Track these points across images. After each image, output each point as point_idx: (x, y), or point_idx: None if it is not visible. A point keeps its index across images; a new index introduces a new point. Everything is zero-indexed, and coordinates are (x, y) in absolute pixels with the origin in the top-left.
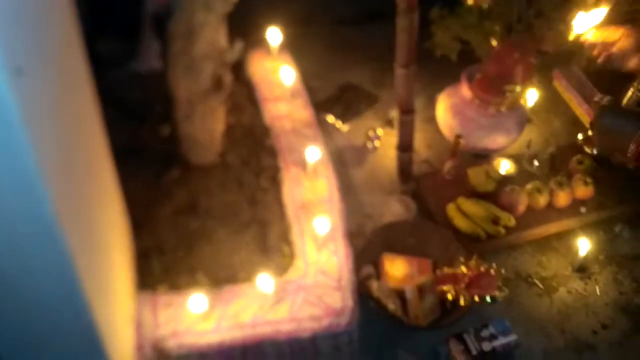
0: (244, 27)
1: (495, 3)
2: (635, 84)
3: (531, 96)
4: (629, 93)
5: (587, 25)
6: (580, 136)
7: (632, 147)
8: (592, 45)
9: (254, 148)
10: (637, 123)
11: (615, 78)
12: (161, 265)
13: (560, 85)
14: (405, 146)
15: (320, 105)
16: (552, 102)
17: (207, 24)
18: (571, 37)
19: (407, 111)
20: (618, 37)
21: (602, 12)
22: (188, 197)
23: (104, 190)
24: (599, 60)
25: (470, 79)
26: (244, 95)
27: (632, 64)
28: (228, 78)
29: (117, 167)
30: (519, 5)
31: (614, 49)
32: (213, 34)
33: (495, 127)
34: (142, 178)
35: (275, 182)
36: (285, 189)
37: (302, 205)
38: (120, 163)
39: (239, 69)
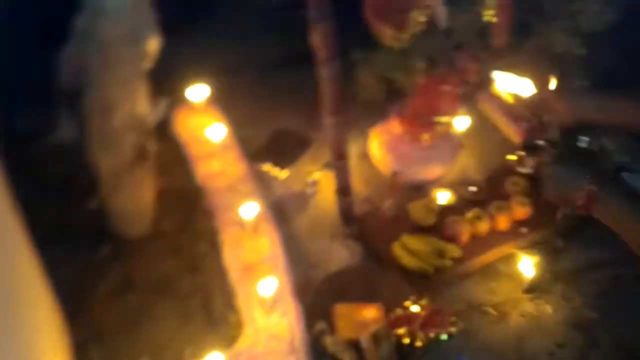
0: (168, 83)
1: (415, 40)
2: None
3: (462, 123)
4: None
5: None
6: (511, 157)
7: (580, 198)
8: None
9: (189, 211)
10: (583, 174)
11: None
12: (100, 354)
13: (487, 108)
14: (343, 190)
15: (255, 155)
16: (481, 125)
17: (123, 98)
18: None
19: (340, 156)
20: None
21: None
22: (123, 273)
23: (24, 293)
24: None
25: (399, 114)
26: (173, 155)
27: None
28: (152, 146)
29: (42, 252)
30: (438, 40)
31: None
32: (131, 105)
33: (429, 158)
34: (72, 260)
35: (214, 245)
36: (225, 252)
37: (245, 267)
38: (46, 247)
39: (165, 127)
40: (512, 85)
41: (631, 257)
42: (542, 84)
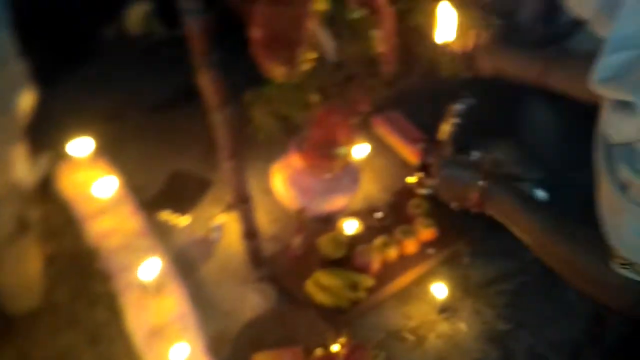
0: (47, 138)
1: (306, 75)
2: (447, 117)
3: (361, 151)
4: (444, 127)
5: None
6: (410, 179)
7: (473, 195)
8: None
9: (83, 277)
10: (475, 173)
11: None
12: None
13: (382, 130)
14: (249, 233)
15: (151, 204)
16: (380, 149)
17: None
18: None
19: (243, 200)
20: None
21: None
22: (15, 356)
23: None
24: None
25: (299, 149)
26: (59, 217)
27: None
28: (35, 212)
29: None
30: (329, 73)
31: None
32: (6, 174)
33: (332, 189)
34: None
35: (115, 312)
36: (128, 318)
37: (152, 331)
38: None
39: (48, 187)
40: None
41: (534, 264)
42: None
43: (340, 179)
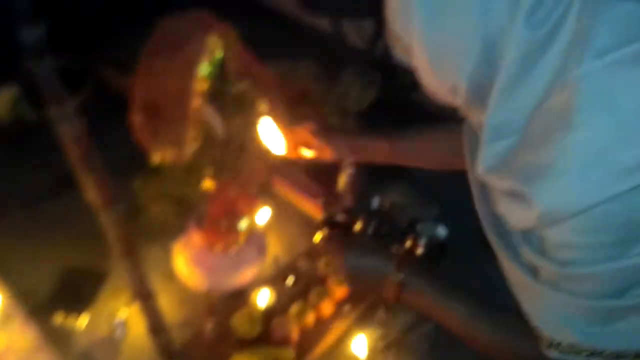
0: None
1: (196, 154)
2: (343, 168)
3: (263, 216)
4: (341, 178)
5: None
6: (317, 236)
7: (387, 290)
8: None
9: None
10: (387, 262)
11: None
12: None
13: (282, 189)
14: (156, 329)
15: (44, 309)
16: (283, 210)
17: None
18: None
19: (145, 296)
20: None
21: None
22: None
23: None
24: None
25: (198, 227)
26: None
27: (324, 155)
28: None
29: None
30: (220, 148)
31: None
32: None
33: (239, 263)
34: None
35: None
36: None
37: None
38: None
39: None
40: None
41: None
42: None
43: (245, 251)
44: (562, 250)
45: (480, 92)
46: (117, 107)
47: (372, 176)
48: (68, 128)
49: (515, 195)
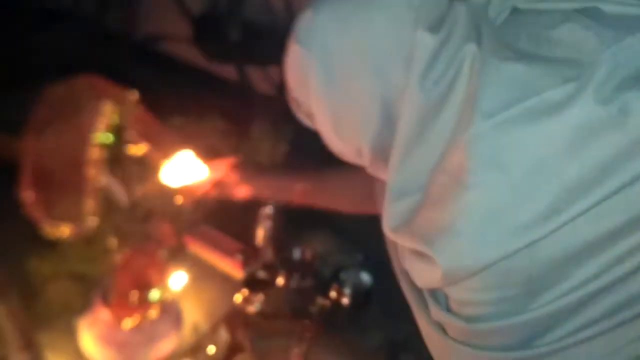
0: None
1: (98, 225)
2: (260, 221)
3: (178, 281)
4: (259, 232)
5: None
6: (237, 297)
7: None
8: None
9: None
10: (291, 338)
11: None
12: None
13: (196, 249)
14: None
15: None
16: (201, 272)
17: None
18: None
19: None
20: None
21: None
22: None
23: None
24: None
25: (105, 302)
26: None
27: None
28: None
29: None
30: (124, 216)
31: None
32: None
33: (154, 336)
34: None
35: None
36: None
37: None
38: None
39: None
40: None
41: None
42: None
43: (159, 323)
44: (466, 307)
45: (383, 154)
46: (8, 174)
47: (292, 226)
48: None
49: (420, 255)
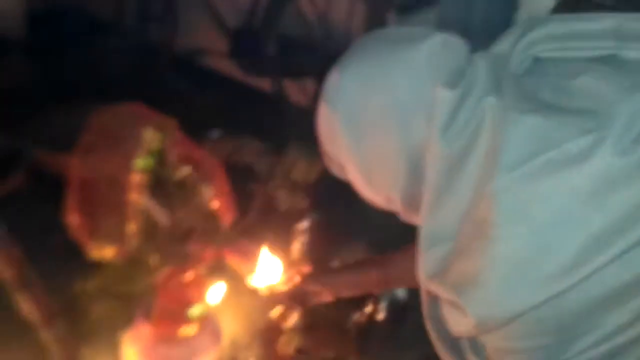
0: None
1: (139, 246)
2: (296, 237)
3: (217, 293)
4: (295, 246)
5: None
6: (274, 312)
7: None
8: None
9: None
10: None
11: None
12: None
13: (236, 263)
14: None
15: None
16: (237, 283)
17: None
18: None
19: None
20: None
21: None
22: None
23: None
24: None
25: (148, 318)
26: None
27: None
28: None
29: None
30: (165, 237)
31: None
32: None
33: (195, 351)
34: None
35: None
36: None
37: None
38: None
39: None
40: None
41: None
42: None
43: (199, 337)
44: (503, 355)
45: (413, 201)
46: (53, 188)
47: (328, 240)
48: (16, 278)
49: (454, 304)
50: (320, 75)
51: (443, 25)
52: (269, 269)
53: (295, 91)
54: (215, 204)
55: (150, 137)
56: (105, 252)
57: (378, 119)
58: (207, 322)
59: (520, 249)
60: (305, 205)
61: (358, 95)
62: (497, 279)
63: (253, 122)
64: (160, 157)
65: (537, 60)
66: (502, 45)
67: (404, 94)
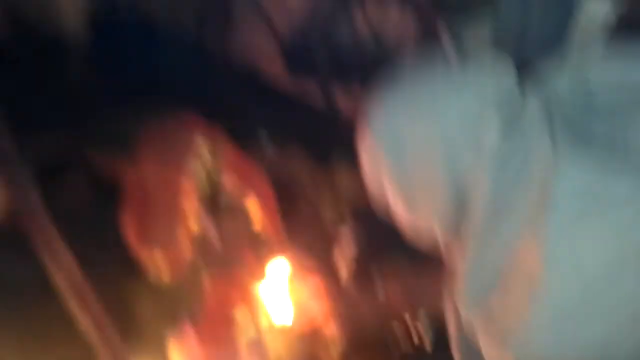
0: None
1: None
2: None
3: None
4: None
5: None
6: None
7: None
8: None
9: None
10: None
11: None
12: None
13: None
14: None
15: None
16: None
17: None
18: None
19: None
20: None
21: None
22: None
23: None
24: None
25: (194, 322)
26: None
27: None
28: None
29: None
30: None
31: None
32: None
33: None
34: None
35: None
36: None
37: None
38: None
39: None
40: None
41: None
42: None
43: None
44: None
45: (455, 233)
46: (112, 193)
47: (371, 249)
48: (66, 282)
49: (493, 338)
50: (370, 87)
51: (498, 30)
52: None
53: (347, 106)
54: (261, 215)
55: (204, 147)
56: (155, 256)
57: (424, 150)
58: (253, 344)
59: (568, 294)
60: (349, 217)
61: (403, 125)
62: (541, 321)
63: (301, 132)
64: (211, 168)
65: (592, 96)
66: (556, 77)
67: (452, 126)
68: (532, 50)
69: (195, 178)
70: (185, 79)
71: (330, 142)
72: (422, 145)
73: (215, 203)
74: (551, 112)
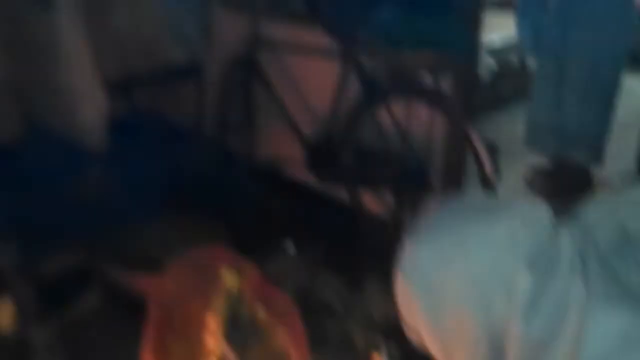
0: None
1: None
2: None
3: None
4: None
5: None
6: None
7: None
8: None
9: None
10: None
11: None
12: None
13: None
14: None
15: None
16: None
17: None
18: None
19: None
20: None
21: None
22: None
23: None
24: None
25: None
26: None
27: None
28: None
29: None
30: None
31: None
32: None
33: None
34: None
35: None
36: None
37: None
38: None
39: None
40: None
41: None
42: None
43: None
44: None
45: None
46: (131, 309)
47: None
48: None
49: None
50: (396, 187)
51: (532, 125)
52: None
53: (372, 202)
54: (288, 345)
55: (229, 277)
56: None
57: (456, 294)
58: None
59: None
60: (382, 341)
61: (435, 268)
62: None
63: (329, 232)
64: (237, 299)
65: (624, 233)
66: (590, 214)
67: (483, 270)
68: (569, 145)
69: (220, 311)
70: (208, 184)
71: (359, 248)
72: (454, 289)
73: (241, 336)
74: (586, 255)
